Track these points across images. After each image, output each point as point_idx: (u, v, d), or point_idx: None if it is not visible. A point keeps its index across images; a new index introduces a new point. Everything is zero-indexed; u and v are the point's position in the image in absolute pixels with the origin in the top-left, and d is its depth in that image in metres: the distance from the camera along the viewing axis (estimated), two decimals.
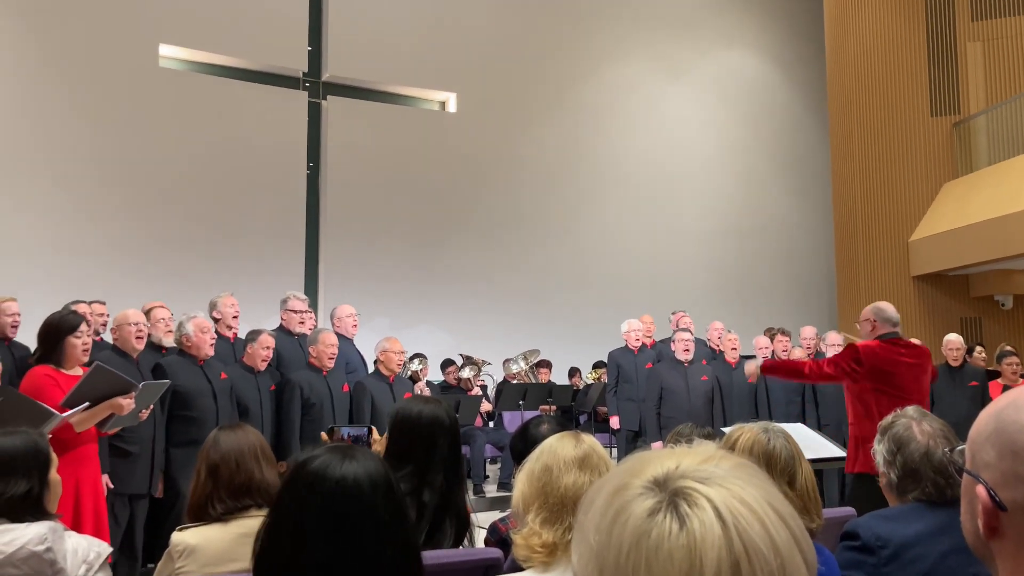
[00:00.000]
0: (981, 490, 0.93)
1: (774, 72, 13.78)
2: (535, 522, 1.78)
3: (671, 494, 0.70)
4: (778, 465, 2.07)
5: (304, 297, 6.34)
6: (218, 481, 2.29)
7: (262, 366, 5.47)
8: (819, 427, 6.87)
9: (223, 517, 2.25)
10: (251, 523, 2.12)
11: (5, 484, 2.06)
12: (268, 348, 5.49)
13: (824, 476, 6.90)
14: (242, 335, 5.80)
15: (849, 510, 3.15)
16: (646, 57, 12.81)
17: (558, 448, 1.88)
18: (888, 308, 4.70)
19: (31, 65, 9.18)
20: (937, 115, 11.61)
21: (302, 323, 6.17)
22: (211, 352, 5.12)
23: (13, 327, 5.43)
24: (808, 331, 8.02)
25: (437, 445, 2.44)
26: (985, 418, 0.97)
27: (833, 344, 7.46)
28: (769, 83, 13.73)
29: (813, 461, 4.63)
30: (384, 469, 1.48)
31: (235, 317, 5.83)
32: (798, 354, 7.71)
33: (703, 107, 13.21)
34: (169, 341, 5.33)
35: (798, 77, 13.84)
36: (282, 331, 6.06)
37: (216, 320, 5.79)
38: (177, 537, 2.23)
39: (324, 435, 2.89)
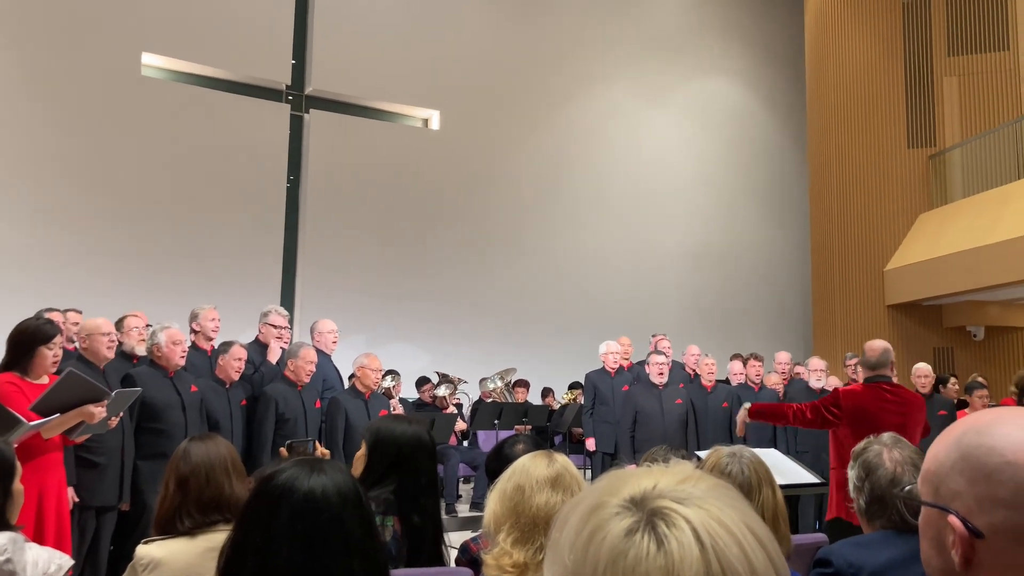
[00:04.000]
0: (955, 521, 0.92)
1: (755, 100, 13.94)
2: (506, 542, 1.77)
3: (649, 514, 0.69)
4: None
5: (285, 312, 6.29)
6: (187, 494, 2.25)
7: (235, 378, 5.41)
8: (796, 455, 6.89)
9: (191, 531, 2.21)
10: (218, 537, 2.09)
11: None
12: (240, 360, 5.43)
13: (800, 502, 6.92)
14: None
15: (822, 536, 3.15)
16: (628, 81, 12.91)
17: (531, 467, 1.87)
18: (869, 351, 4.58)
19: (11, 71, 9.10)
20: (913, 147, 11.79)
21: (279, 338, 6.12)
22: (181, 363, 5.05)
23: None
24: (782, 356, 8.07)
25: (422, 466, 2.43)
26: (943, 449, 0.96)
27: (816, 369, 7.48)
28: (749, 110, 13.88)
29: (785, 487, 4.64)
30: (353, 483, 1.47)
31: (215, 331, 5.77)
32: (772, 380, 7.75)
33: (684, 132, 13.32)
34: (142, 350, 5.27)
35: (778, 105, 14.00)
36: (258, 344, 6.00)
37: (196, 332, 5.73)
38: (142, 550, 2.19)
39: (283, 450, 2.85)
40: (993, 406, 7.22)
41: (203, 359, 5.64)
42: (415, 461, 2.42)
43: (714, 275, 13.10)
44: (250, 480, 5.19)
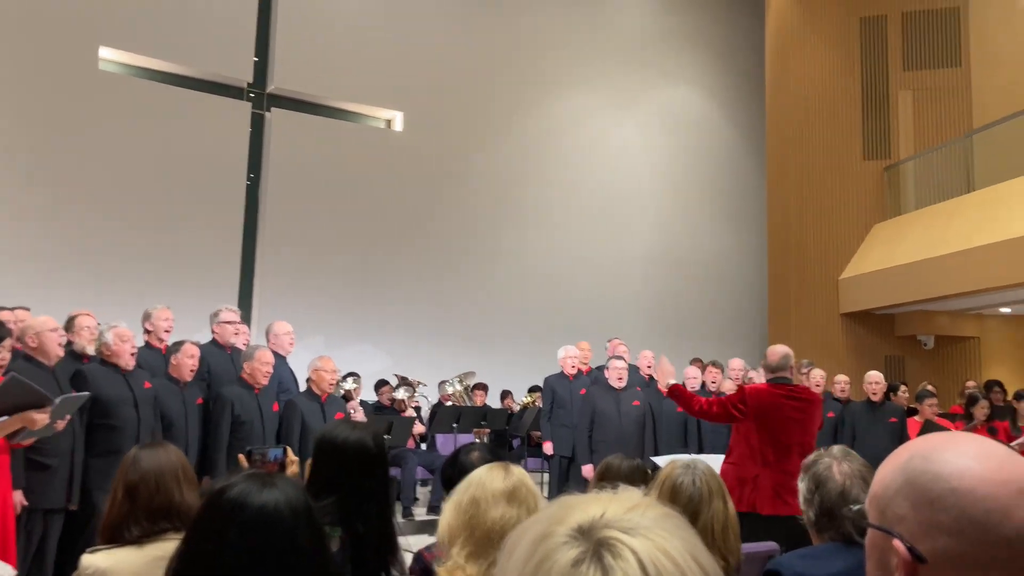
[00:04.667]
0: (899, 545, 0.94)
1: (716, 109, 14.09)
2: (460, 555, 1.76)
3: (595, 544, 0.69)
4: (681, 500, 2.11)
5: (235, 309, 6.22)
6: (136, 503, 2.21)
7: (189, 377, 5.34)
8: None
9: (139, 540, 2.17)
10: (167, 546, 2.05)
11: None
12: (193, 357, 5.36)
13: None
14: None
15: (773, 545, 3.20)
16: (593, 87, 12.98)
17: (487, 480, 1.86)
18: (770, 355, 4.91)
19: None
20: (869, 159, 12.02)
21: (237, 334, 6.05)
22: (132, 362, 4.98)
23: None
24: (736, 363, 8.17)
25: (366, 473, 2.39)
26: (890, 473, 0.98)
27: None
28: (711, 119, 14.03)
29: None
30: (304, 497, 1.45)
31: (167, 331, 5.69)
32: (728, 386, 7.84)
33: (647, 139, 13.42)
34: (92, 350, 5.17)
35: (739, 116, 14.17)
36: (214, 345, 5.93)
37: (148, 332, 5.65)
38: (87, 560, 2.14)
39: (242, 457, 2.80)
40: (942, 414, 7.39)
41: (157, 358, 5.55)
42: (359, 468, 2.36)
43: (674, 281, 13.22)
44: (205, 481, 5.12)
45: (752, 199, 13.91)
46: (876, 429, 7.33)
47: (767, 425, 4.61)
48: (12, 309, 5.59)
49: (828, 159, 11.97)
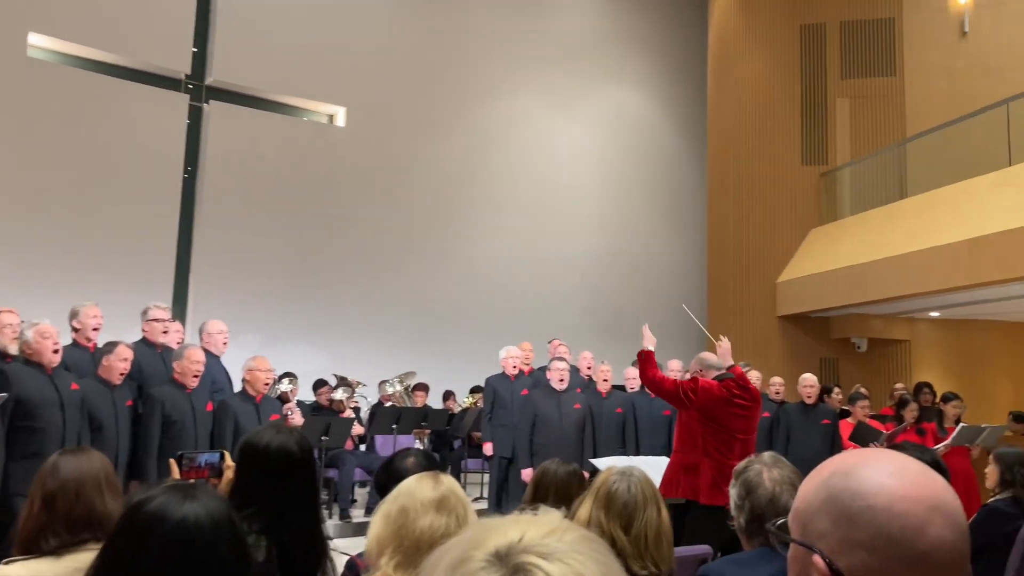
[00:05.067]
0: (819, 560, 0.95)
1: (659, 111, 14.24)
2: (388, 566, 1.74)
3: (512, 570, 0.69)
4: (615, 507, 2.12)
5: (165, 306, 6.06)
6: (54, 513, 2.12)
7: (119, 380, 5.19)
8: None
9: (56, 550, 2.09)
10: (87, 557, 1.97)
11: None
12: (126, 361, 5.21)
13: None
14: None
15: (706, 548, 3.23)
16: (536, 86, 13.01)
17: (416, 490, 1.84)
18: (710, 356, 5.12)
19: None
20: (807, 164, 12.27)
21: (166, 332, 5.89)
22: (56, 360, 4.82)
23: None
24: (675, 364, 8.27)
25: (289, 480, 2.33)
26: (812, 489, 1.00)
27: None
28: (654, 121, 14.17)
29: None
30: (227, 509, 1.41)
31: (95, 329, 5.51)
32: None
33: (589, 140, 13.50)
34: (15, 349, 4.98)
35: (681, 117, 14.35)
36: (144, 343, 5.77)
37: (76, 330, 5.47)
38: (2, 571, 2.06)
39: (172, 461, 2.71)
40: (873, 416, 7.57)
41: (85, 358, 5.38)
42: (282, 474, 2.31)
43: (615, 282, 13.32)
44: (134, 485, 4.97)
45: (693, 201, 14.10)
46: (809, 430, 7.48)
47: (712, 418, 4.77)
48: None
49: (767, 164, 12.19)
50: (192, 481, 1.59)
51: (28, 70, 9.34)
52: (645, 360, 5.27)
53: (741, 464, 2.30)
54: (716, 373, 4.94)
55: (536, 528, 0.74)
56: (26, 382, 4.62)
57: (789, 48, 12.45)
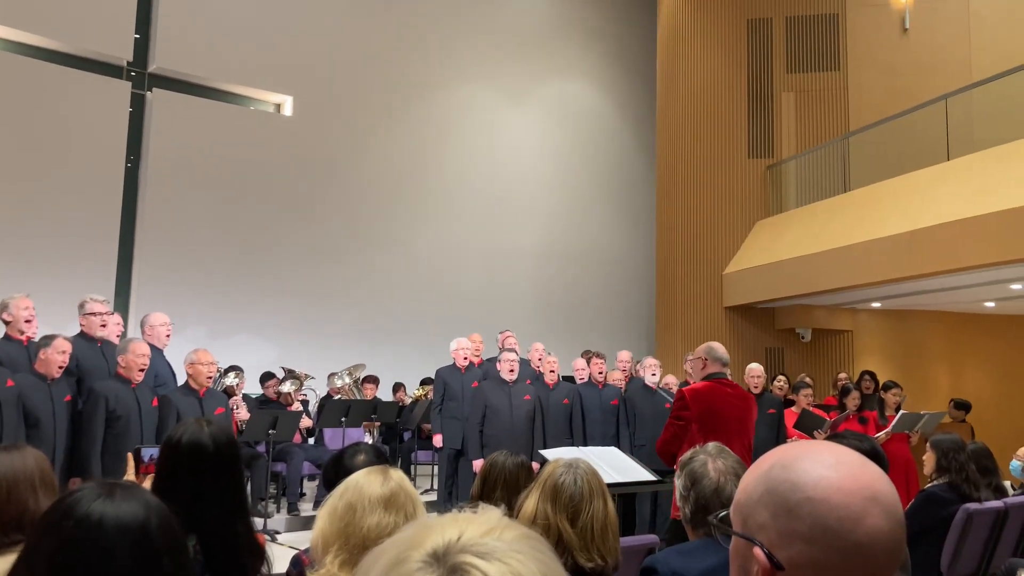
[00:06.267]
0: (759, 552, 0.96)
1: (609, 103, 14.31)
2: (333, 564, 1.71)
3: (449, 570, 0.68)
4: (562, 500, 2.12)
5: (103, 298, 5.90)
6: None
7: (57, 373, 5.05)
8: (632, 448, 7.13)
9: None
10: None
11: None
12: (64, 353, 5.08)
13: (636, 499, 7.16)
14: None
15: (652, 538, 3.26)
16: (486, 77, 12.97)
17: (364, 485, 1.81)
18: (720, 348, 4.82)
19: None
20: (753, 157, 12.45)
21: (104, 326, 5.75)
22: None
23: None
24: (624, 355, 8.33)
25: (203, 476, 2.23)
26: (752, 482, 1.01)
27: (651, 365, 7.75)
28: (604, 114, 14.24)
29: (622, 485, 4.80)
30: (161, 508, 1.36)
31: (28, 321, 5.34)
32: (615, 376, 7.99)
33: (539, 131, 13.52)
34: None
35: (631, 110, 14.44)
36: (83, 337, 5.63)
37: (7, 323, 5.30)
38: None
39: (130, 455, 2.64)
40: (817, 405, 7.70)
41: (19, 351, 5.23)
42: (194, 470, 2.23)
43: (564, 273, 13.38)
44: (75, 481, 4.84)
45: (642, 193, 14.21)
46: (757, 419, 7.59)
47: (711, 422, 4.53)
48: None
49: (715, 156, 12.34)
50: (124, 480, 1.54)
51: None
52: (663, 446, 4.79)
53: (686, 455, 2.32)
54: (718, 368, 4.72)
55: (475, 527, 0.73)
56: None
57: (736, 42, 12.60)
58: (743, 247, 12.12)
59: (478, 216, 12.66)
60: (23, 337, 5.32)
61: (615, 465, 4.90)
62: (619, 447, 6.11)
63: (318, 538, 1.78)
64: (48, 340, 5.10)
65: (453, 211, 12.48)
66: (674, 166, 12.48)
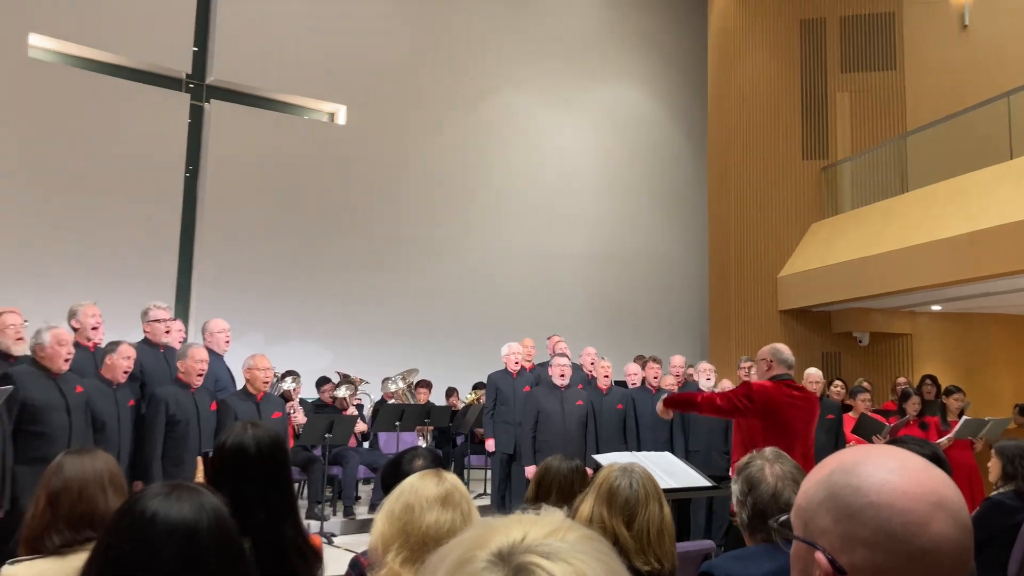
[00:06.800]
0: (820, 557, 0.96)
1: (659, 107, 14.23)
2: (395, 561, 1.75)
3: (515, 570, 0.69)
4: (617, 503, 2.12)
5: (165, 305, 6.06)
6: (58, 511, 2.13)
7: (122, 378, 5.20)
8: (687, 454, 7.07)
9: (60, 549, 2.10)
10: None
11: None
12: (129, 359, 5.22)
13: (692, 504, 7.09)
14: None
15: (709, 544, 3.24)
16: (535, 83, 13.00)
17: (419, 487, 1.85)
18: (785, 350, 4.78)
19: None
20: (808, 158, 12.26)
21: (168, 332, 5.91)
22: (65, 367, 4.81)
23: None
24: (677, 360, 8.26)
25: (247, 478, 2.26)
26: (814, 485, 1.00)
27: (704, 370, 7.70)
28: (653, 117, 14.16)
29: (677, 491, 4.76)
30: (217, 510, 1.41)
31: (95, 328, 5.51)
32: (668, 382, 7.93)
33: (588, 136, 13.50)
34: (20, 349, 4.99)
35: (681, 113, 14.34)
36: (147, 343, 5.78)
37: (75, 330, 5.47)
38: (7, 571, 2.07)
39: (200, 459, 2.71)
40: (876, 410, 7.55)
41: (86, 357, 5.39)
42: (239, 473, 2.26)
43: (615, 278, 13.33)
44: (137, 485, 4.98)
45: (694, 197, 14.09)
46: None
47: (771, 422, 4.49)
48: None
49: (768, 159, 12.18)
50: (191, 482, 1.60)
51: (29, 71, 9.35)
52: (677, 403, 4.99)
53: (743, 460, 2.30)
54: (784, 370, 4.67)
55: (539, 528, 0.74)
56: (32, 386, 4.61)
57: (789, 43, 12.43)
58: (798, 250, 11.95)
59: (529, 221, 12.69)
60: (89, 344, 5.48)
61: (669, 470, 4.87)
62: (673, 453, 6.06)
63: (377, 538, 1.82)
64: (113, 346, 5.25)
65: (504, 216, 12.53)
66: (726, 169, 12.36)
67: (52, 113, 9.38)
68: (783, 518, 1.09)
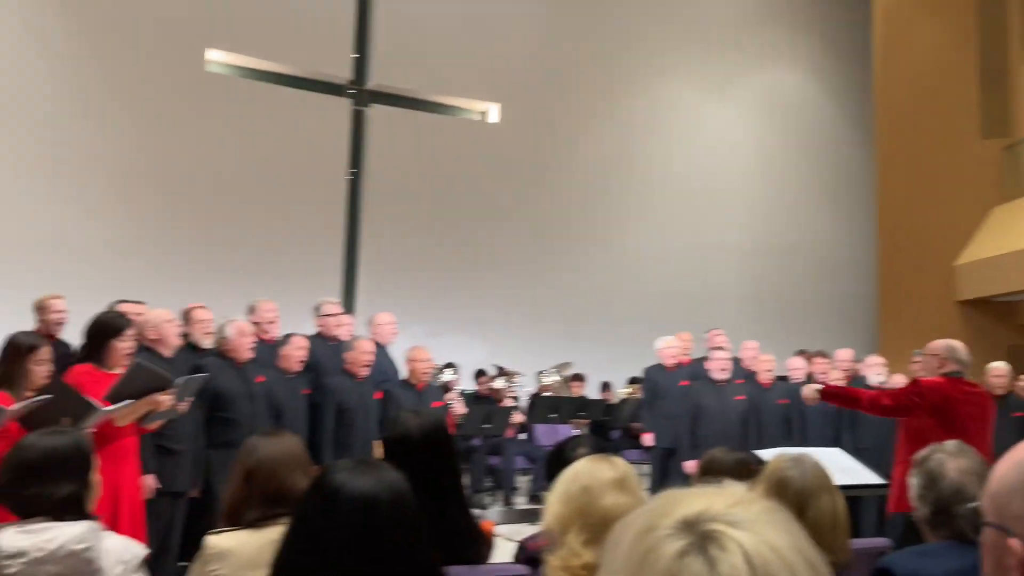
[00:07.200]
0: (1015, 543, 0.92)
1: (819, 90, 13.65)
2: (575, 542, 1.79)
3: (700, 536, 0.70)
4: (788, 494, 2.06)
5: (335, 300, 6.43)
6: (252, 487, 2.32)
7: (298, 367, 5.55)
8: (856, 451, 6.76)
9: (255, 523, 2.28)
10: (282, 530, 2.14)
11: (51, 485, 2.11)
12: (302, 349, 5.58)
13: (861, 504, 6.78)
14: None
15: (883, 541, 3.10)
16: (689, 73, 12.77)
17: (594, 470, 1.89)
18: (962, 349, 4.58)
19: (86, 69, 9.38)
20: (988, 137, 11.42)
21: (339, 326, 6.25)
22: (250, 356, 5.19)
23: (59, 324, 5.56)
24: (844, 354, 7.85)
25: (411, 462, 2.28)
26: (1007, 471, 0.96)
27: (875, 364, 7.32)
28: (813, 101, 13.60)
29: (848, 488, 4.57)
30: (401, 485, 1.50)
31: (272, 322, 5.90)
32: (835, 376, 7.59)
33: (745, 124, 13.13)
34: (208, 343, 5.41)
35: (843, 95, 13.69)
36: (319, 337, 6.13)
37: (255, 324, 5.87)
38: (211, 540, 2.27)
39: (376, 443, 2.90)
40: None
41: (264, 350, 5.76)
42: (407, 458, 2.32)
43: (775, 270, 12.90)
44: (313, 470, 5.29)
45: (859, 183, 13.41)
46: (1000, 423, 6.94)
47: (943, 420, 4.25)
48: (133, 303, 5.90)
49: (942, 139, 11.42)
50: (370, 458, 1.71)
51: (206, 84, 10.07)
52: (837, 397, 4.81)
53: (922, 453, 2.20)
54: (956, 368, 4.47)
55: (721, 499, 0.76)
56: (220, 376, 4.99)
57: (963, 16, 11.60)
58: (977, 236, 11.15)
59: (684, 213, 12.49)
60: (268, 337, 5.87)
61: (839, 467, 4.67)
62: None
63: (554, 520, 1.86)
64: (288, 338, 5.63)
65: (658, 208, 12.39)
66: (895, 152, 11.69)
67: (225, 123, 10.06)
68: (973, 505, 1.04)
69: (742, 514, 0.72)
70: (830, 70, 13.67)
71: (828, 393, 4.86)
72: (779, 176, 13.21)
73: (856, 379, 7.60)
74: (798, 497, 2.09)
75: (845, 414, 7.09)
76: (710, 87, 12.90)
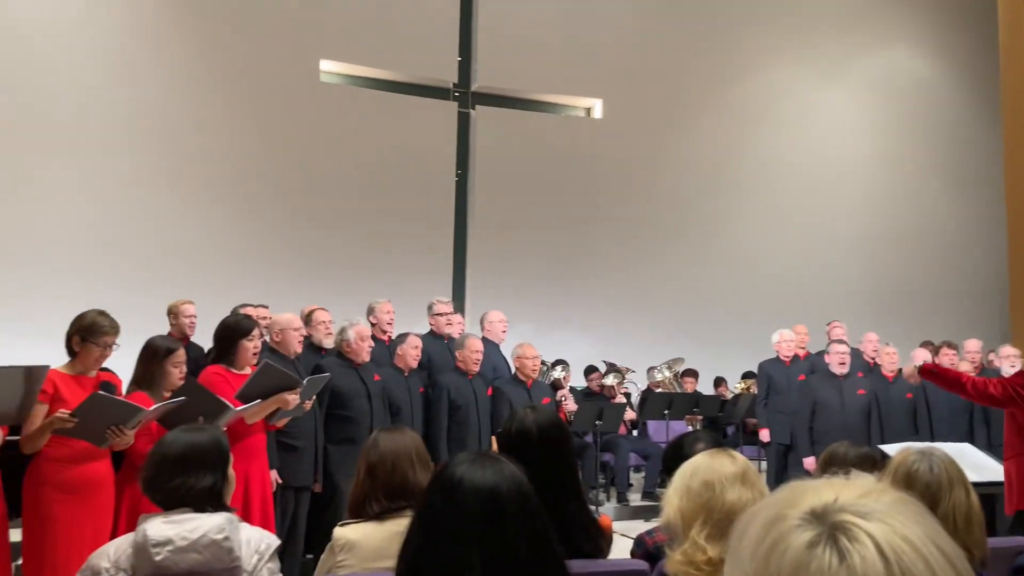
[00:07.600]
0: None
1: (937, 69, 13.02)
2: (699, 536, 1.78)
3: (830, 527, 0.70)
4: (917, 488, 1.99)
5: (447, 299, 6.57)
6: (375, 481, 2.41)
7: (413, 364, 5.70)
8: (989, 446, 6.43)
9: (379, 515, 2.37)
10: (404, 522, 2.21)
11: (193, 478, 2.25)
12: (417, 348, 5.74)
13: (996, 502, 6.44)
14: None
15: (1021, 540, 2.95)
16: (798, 57, 12.39)
17: (715, 464, 1.88)
18: None
19: (202, 83, 9.83)
20: None
21: (450, 324, 6.39)
22: (368, 358, 5.37)
23: (191, 327, 5.89)
24: (972, 344, 7.48)
25: (529, 457, 2.37)
26: None
27: (1009, 355, 6.93)
28: (931, 81, 12.98)
29: (980, 485, 4.36)
30: (521, 477, 1.53)
31: (390, 323, 6.09)
32: (964, 368, 7.23)
33: (860, 107, 12.65)
34: (329, 343, 5.62)
35: (964, 74, 13.00)
36: (431, 335, 6.28)
37: (373, 324, 6.06)
38: (339, 532, 2.37)
39: (493, 438, 2.97)
40: None
41: (381, 349, 5.95)
42: (525, 454, 2.28)
43: (895, 258, 12.38)
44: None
45: (986, 165, 12.70)
46: None
47: None
48: (255, 307, 6.19)
49: None
50: (491, 451, 1.74)
51: (320, 93, 10.42)
52: (938, 377, 4.57)
53: None
54: None
55: (851, 490, 0.74)
56: (339, 375, 5.19)
57: None
58: None
59: (795, 202, 12.13)
60: (385, 336, 6.06)
61: (971, 463, 4.46)
62: (974, 445, 5.55)
63: (676, 514, 1.86)
64: (403, 337, 5.79)
65: (768, 198, 12.08)
66: None
67: (340, 130, 10.38)
68: None
69: (873, 504, 0.71)
70: (951, 46, 13.02)
71: (927, 370, 4.65)
72: (898, 161, 12.67)
73: (987, 371, 7.23)
74: (928, 491, 2.01)
75: (977, 409, 6.75)
76: (822, 72, 12.48)
